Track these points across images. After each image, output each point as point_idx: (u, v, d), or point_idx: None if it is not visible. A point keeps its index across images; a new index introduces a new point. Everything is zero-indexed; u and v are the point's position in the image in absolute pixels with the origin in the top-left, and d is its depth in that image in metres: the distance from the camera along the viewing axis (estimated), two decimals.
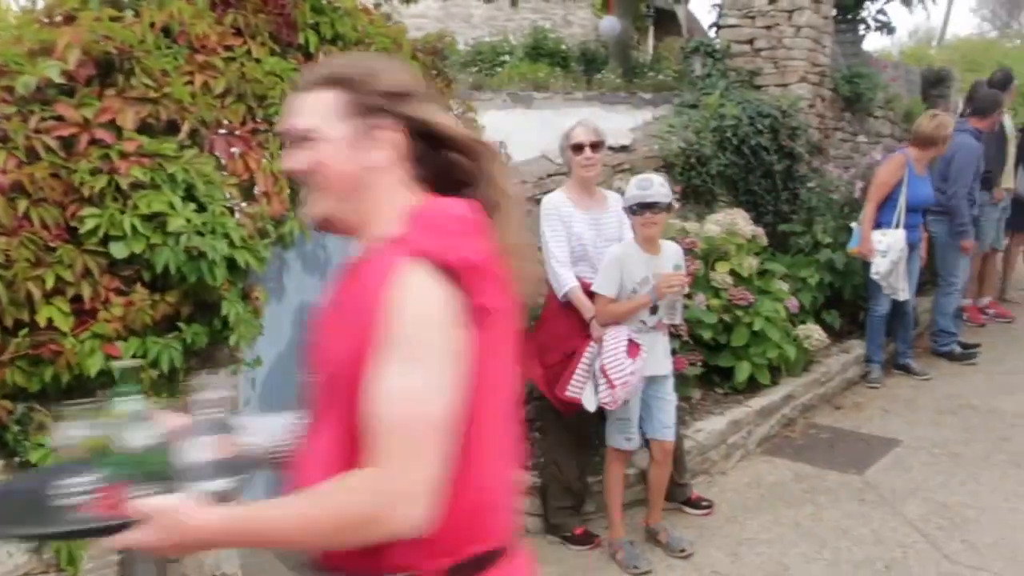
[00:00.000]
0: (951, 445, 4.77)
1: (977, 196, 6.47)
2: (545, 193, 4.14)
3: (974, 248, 6.32)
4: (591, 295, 3.74)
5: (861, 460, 4.62)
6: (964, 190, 6.05)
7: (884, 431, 5.02)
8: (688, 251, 4.87)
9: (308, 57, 3.33)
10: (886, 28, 8.77)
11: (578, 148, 3.83)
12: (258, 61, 3.13)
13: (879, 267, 5.62)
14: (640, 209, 3.49)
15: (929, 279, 6.75)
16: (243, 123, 3.07)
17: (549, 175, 4.67)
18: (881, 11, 8.72)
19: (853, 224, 5.91)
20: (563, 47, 10.90)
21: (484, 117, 6.23)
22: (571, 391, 3.69)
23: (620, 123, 6.49)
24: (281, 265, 3.72)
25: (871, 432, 5.02)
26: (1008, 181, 7.21)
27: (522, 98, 7.55)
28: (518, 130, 6.65)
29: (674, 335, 4.16)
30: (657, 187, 3.51)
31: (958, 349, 6.35)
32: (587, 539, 3.85)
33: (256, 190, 3.01)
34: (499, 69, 9.49)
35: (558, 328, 3.86)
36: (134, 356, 2.61)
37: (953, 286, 6.32)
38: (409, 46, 3.74)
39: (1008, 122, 7.16)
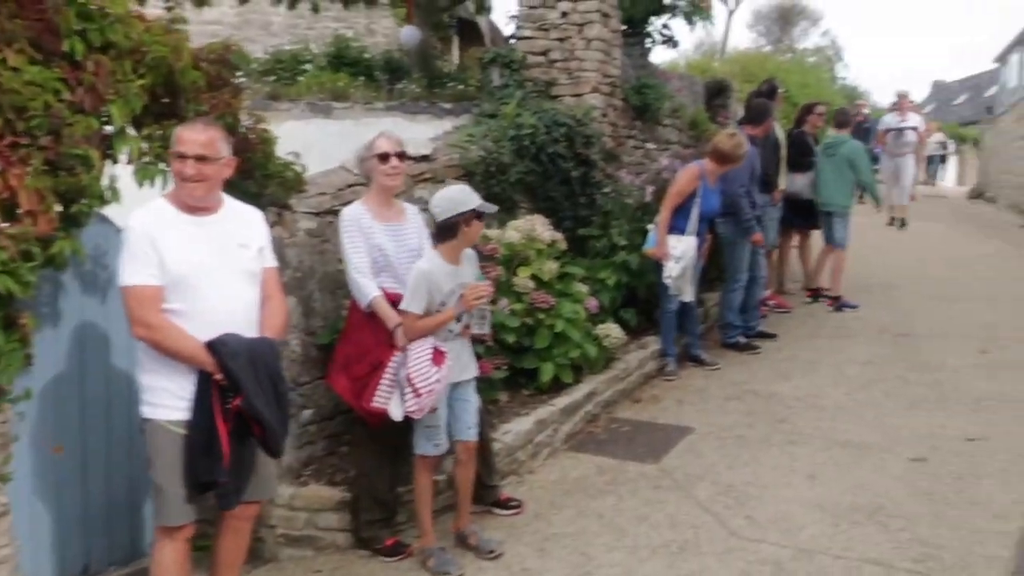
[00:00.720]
0: (737, 429, 5.14)
1: (758, 198, 7.04)
2: (344, 204, 4.12)
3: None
4: (394, 304, 3.76)
5: (658, 449, 4.89)
6: (742, 189, 6.55)
7: (679, 420, 5.35)
8: (490, 257, 4.99)
9: (75, 66, 3.13)
10: (671, 42, 9.36)
11: (384, 157, 3.89)
12: (16, 70, 2.90)
13: (671, 271, 6.01)
14: (475, 217, 3.59)
15: (716, 276, 7.26)
16: (1, 137, 2.83)
17: (348, 186, 4.61)
18: (666, 26, 9.29)
19: (649, 226, 6.27)
20: (366, 56, 10.83)
21: (282, 127, 6.07)
22: (377, 401, 3.69)
23: (421, 132, 6.53)
24: (56, 288, 3.47)
25: (667, 422, 5.33)
26: (783, 183, 7.89)
27: (321, 108, 7.44)
28: (317, 140, 6.55)
29: (479, 340, 4.24)
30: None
31: (743, 340, 6.86)
32: (398, 549, 3.84)
33: (19, 209, 2.79)
34: (301, 78, 9.28)
35: (363, 339, 3.85)
36: None
37: (738, 282, 6.84)
38: (190, 55, 3.58)
39: (779, 129, 7.83)
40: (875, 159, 16.17)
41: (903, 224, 12.76)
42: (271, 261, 3.17)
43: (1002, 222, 14.75)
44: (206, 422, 2.81)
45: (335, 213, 4.22)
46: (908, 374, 6.04)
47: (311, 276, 4.32)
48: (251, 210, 3.22)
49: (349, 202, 4.11)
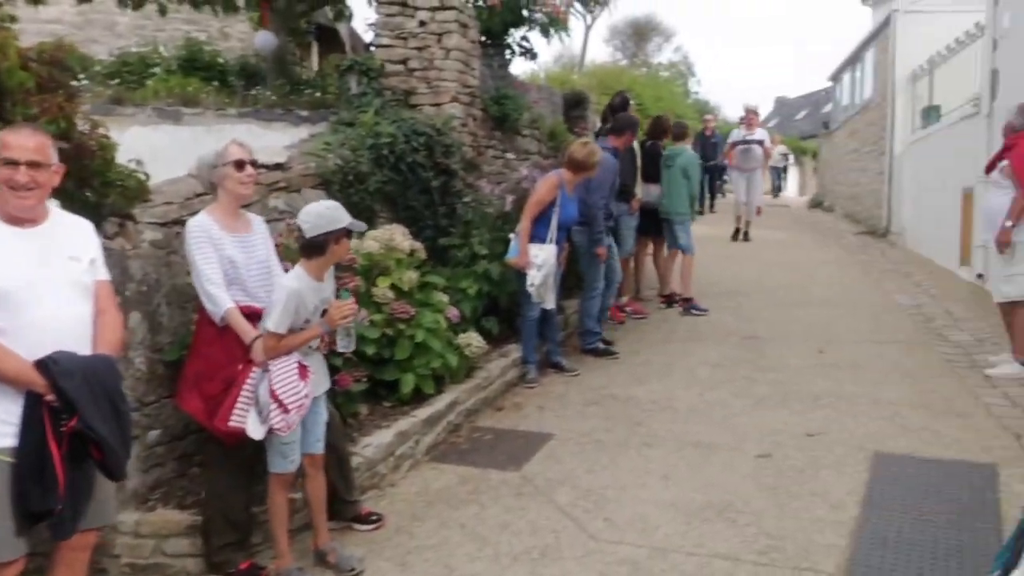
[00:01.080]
0: (595, 433, 5.26)
1: (615, 208, 7.24)
2: (193, 214, 3.95)
3: (608, 253, 7.03)
4: (248, 318, 3.65)
5: (520, 456, 4.93)
6: (602, 201, 6.73)
7: (540, 427, 5.42)
8: (348, 268, 4.91)
9: None
10: (529, 54, 9.51)
11: (240, 165, 3.80)
12: None
13: (534, 279, 6.09)
14: (345, 235, 3.53)
15: (575, 284, 7.41)
16: None
17: (197, 195, 4.42)
18: (524, 38, 9.43)
19: (511, 235, 6.33)
20: (220, 61, 10.47)
21: (126, 134, 5.81)
22: (235, 420, 3.56)
23: (277, 140, 6.38)
24: None
25: (528, 429, 5.39)
26: (639, 192, 8.15)
27: (170, 113, 7.12)
28: (165, 147, 6.28)
29: (336, 353, 4.16)
30: None
31: (602, 346, 7.03)
32: (253, 572, 3.70)
33: None
34: (149, 82, 8.86)
35: (215, 355, 3.71)
36: None
37: (595, 290, 7.00)
38: (17, 55, 3.35)
39: (634, 141, 8.08)
40: (722, 171, 16.92)
41: (747, 237, 13.21)
42: (103, 274, 2.98)
43: (839, 230, 15.78)
44: (37, 447, 2.61)
45: (183, 223, 4.04)
46: (754, 375, 6.35)
47: (157, 289, 4.12)
48: (81, 220, 3.02)
49: (197, 212, 3.94)
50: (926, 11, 13.20)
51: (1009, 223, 5.82)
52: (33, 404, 2.62)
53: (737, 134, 13.50)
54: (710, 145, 15.28)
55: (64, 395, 2.61)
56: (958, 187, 9.91)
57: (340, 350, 3.75)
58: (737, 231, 13.41)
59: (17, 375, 2.61)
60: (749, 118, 13.38)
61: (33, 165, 2.69)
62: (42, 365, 2.62)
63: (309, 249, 3.53)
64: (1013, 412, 5.36)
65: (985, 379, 6.04)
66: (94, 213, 3.59)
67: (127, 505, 3.78)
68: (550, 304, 6.34)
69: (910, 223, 12.87)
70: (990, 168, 6.18)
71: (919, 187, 12.39)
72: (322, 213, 3.52)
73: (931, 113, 11.84)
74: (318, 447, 3.73)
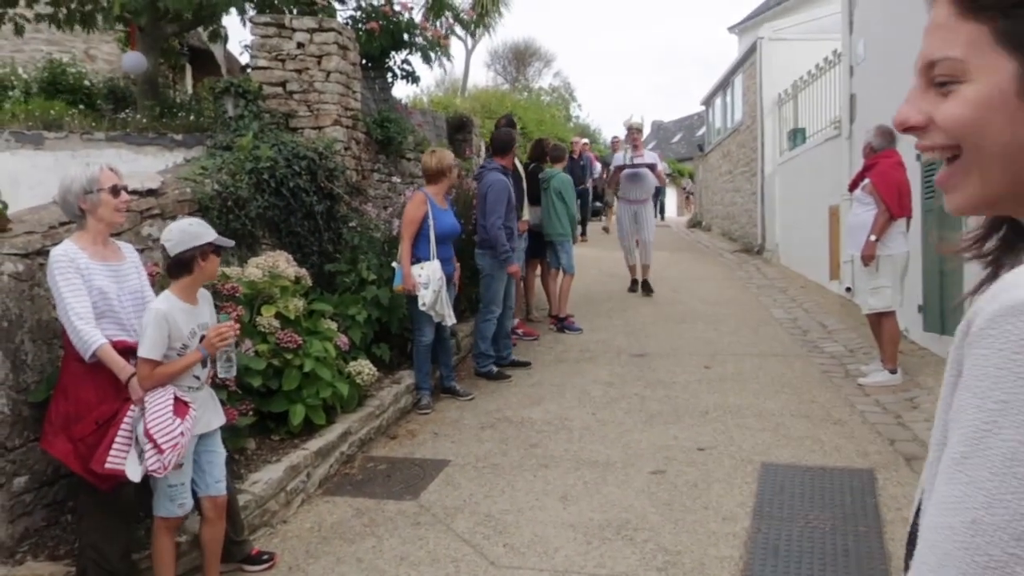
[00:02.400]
0: (492, 457, 5.21)
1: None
2: (57, 244, 3.70)
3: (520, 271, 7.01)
4: (123, 353, 3.43)
5: (416, 485, 4.83)
6: (499, 220, 6.71)
7: (435, 453, 5.33)
8: (231, 297, 4.71)
9: None
10: (411, 77, 9.45)
11: (116, 191, 3.62)
12: None
13: (425, 298, 6.00)
14: (212, 251, 3.42)
15: (467, 307, 7.37)
16: None
17: (62, 223, 4.16)
18: (406, 61, 9.38)
19: (394, 264, 6.23)
20: (86, 83, 10.01)
21: None
22: (112, 463, 3.33)
23: (149, 165, 6.11)
24: None
25: (424, 456, 5.29)
26: (527, 214, 8.21)
27: (30, 137, 6.69)
28: (26, 174, 5.91)
29: (220, 386, 3.97)
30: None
31: (495, 369, 7.00)
32: None
33: None
34: (7, 105, 8.36)
35: (87, 394, 3.46)
36: None
37: (492, 313, 6.98)
38: None
39: (518, 162, 8.13)
40: (600, 196, 17.17)
41: (649, 290, 10.33)
42: None
43: (717, 248, 16.34)
44: None
45: (47, 254, 3.78)
46: (645, 391, 6.45)
47: (20, 325, 3.83)
48: None
49: (61, 241, 3.70)
50: (789, 39, 13.89)
51: (873, 238, 6.15)
52: None
53: (620, 157, 10.34)
54: (579, 168, 15.37)
55: None
56: (824, 205, 10.42)
57: (221, 376, 3.59)
58: (635, 282, 10.54)
59: None
60: (634, 138, 10.35)
61: None
62: None
63: (175, 268, 3.42)
64: (885, 418, 5.62)
65: (858, 387, 6.34)
66: None
67: None
68: (451, 320, 6.26)
69: (782, 240, 13.43)
70: (853, 186, 6.52)
71: (789, 205, 12.97)
72: (185, 229, 3.42)
73: (797, 135, 12.43)
74: (219, 488, 3.56)
